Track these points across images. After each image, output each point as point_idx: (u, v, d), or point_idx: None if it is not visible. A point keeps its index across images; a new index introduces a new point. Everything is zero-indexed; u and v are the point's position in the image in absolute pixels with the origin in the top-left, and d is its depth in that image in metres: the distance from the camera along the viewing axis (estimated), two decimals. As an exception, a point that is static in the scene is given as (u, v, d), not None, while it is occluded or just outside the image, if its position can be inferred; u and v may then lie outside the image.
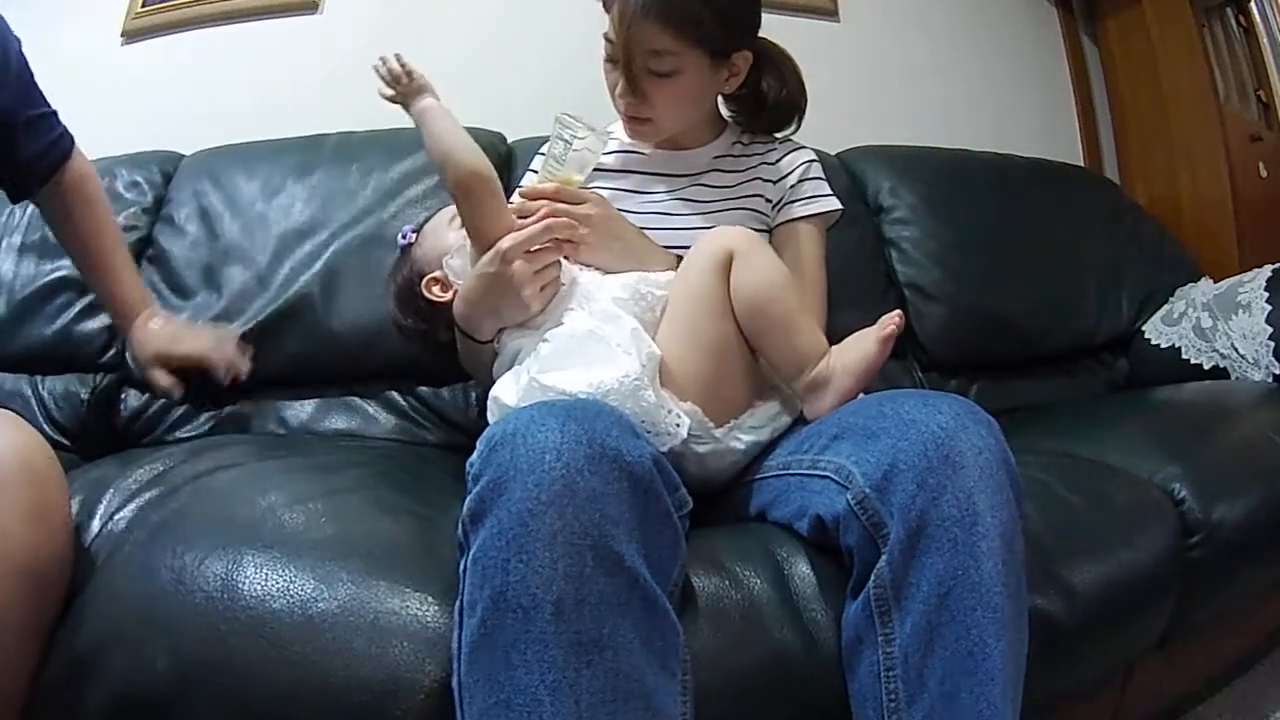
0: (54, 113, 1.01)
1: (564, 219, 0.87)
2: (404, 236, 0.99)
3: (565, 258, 0.89)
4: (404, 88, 0.91)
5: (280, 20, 1.67)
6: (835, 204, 1.04)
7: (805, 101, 1.05)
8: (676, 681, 0.59)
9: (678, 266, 0.93)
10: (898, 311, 0.81)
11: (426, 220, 1.00)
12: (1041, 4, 2.15)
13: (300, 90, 1.63)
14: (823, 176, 1.05)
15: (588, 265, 0.91)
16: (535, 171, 1.02)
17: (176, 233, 1.28)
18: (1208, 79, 1.95)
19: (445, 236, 0.95)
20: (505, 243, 0.84)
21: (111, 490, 0.75)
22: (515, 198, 0.93)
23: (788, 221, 1.02)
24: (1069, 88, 2.12)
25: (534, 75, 1.67)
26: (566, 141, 0.92)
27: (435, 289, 0.93)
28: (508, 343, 0.87)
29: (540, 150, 0.99)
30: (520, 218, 0.88)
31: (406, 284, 0.96)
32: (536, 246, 0.84)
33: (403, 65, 0.90)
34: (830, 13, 1.90)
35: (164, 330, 1.04)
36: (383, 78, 0.91)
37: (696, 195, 1.03)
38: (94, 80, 1.62)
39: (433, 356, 1.03)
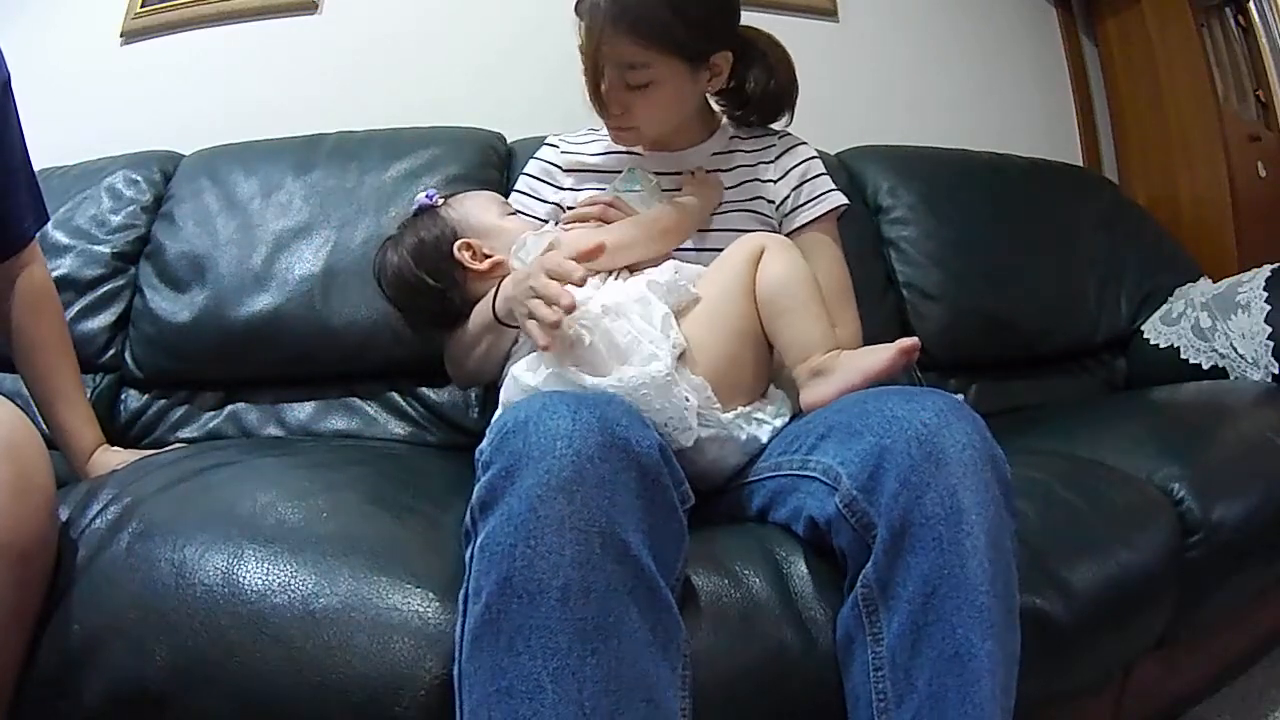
0: (36, 184, 0.94)
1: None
2: (428, 197, 1.02)
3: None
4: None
5: (280, 20, 1.67)
6: (840, 198, 1.03)
7: (796, 90, 1.04)
8: (677, 675, 0.59)
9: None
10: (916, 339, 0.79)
11: (455, 192, 1.04)
12: (1040, 4, 2.15)
13: (300, 90, 1.63)
14: (824, 172, 1.05)
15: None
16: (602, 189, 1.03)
17: (175, 230, 1.28)
18: (1206, 79, 1.95)
19: (488, 215, 0.99)
20: (551, 261, 0.82)
21: (109, 484, 0.75)
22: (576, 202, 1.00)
23: (799, 228, 1.01)
24: (1068, 88, 2.12)
25: (534, 76, 1.67)
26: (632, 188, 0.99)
27: (466, 253, 0.95)
28: None
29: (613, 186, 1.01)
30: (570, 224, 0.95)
31: (435, 240, 0.97)
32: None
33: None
34: (830, 13, 1.90)
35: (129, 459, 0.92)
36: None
37: None
38: (94, 80, 1.63)
39: (431, 354, 1.03)
